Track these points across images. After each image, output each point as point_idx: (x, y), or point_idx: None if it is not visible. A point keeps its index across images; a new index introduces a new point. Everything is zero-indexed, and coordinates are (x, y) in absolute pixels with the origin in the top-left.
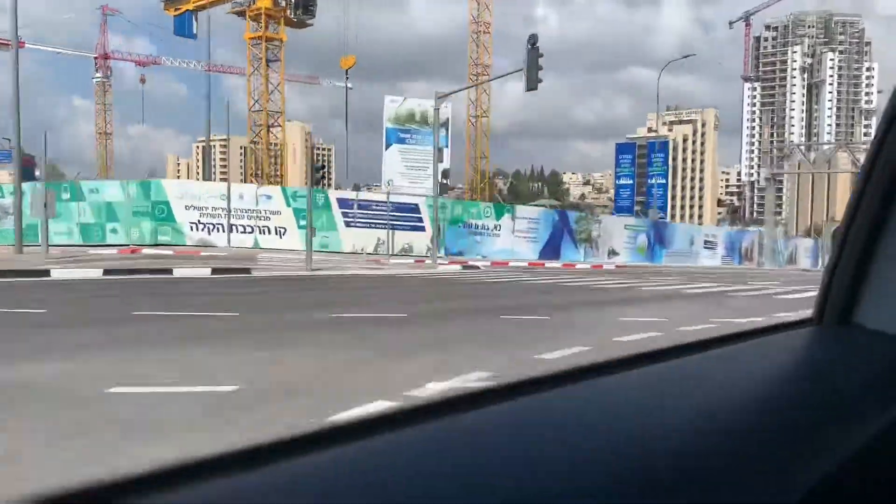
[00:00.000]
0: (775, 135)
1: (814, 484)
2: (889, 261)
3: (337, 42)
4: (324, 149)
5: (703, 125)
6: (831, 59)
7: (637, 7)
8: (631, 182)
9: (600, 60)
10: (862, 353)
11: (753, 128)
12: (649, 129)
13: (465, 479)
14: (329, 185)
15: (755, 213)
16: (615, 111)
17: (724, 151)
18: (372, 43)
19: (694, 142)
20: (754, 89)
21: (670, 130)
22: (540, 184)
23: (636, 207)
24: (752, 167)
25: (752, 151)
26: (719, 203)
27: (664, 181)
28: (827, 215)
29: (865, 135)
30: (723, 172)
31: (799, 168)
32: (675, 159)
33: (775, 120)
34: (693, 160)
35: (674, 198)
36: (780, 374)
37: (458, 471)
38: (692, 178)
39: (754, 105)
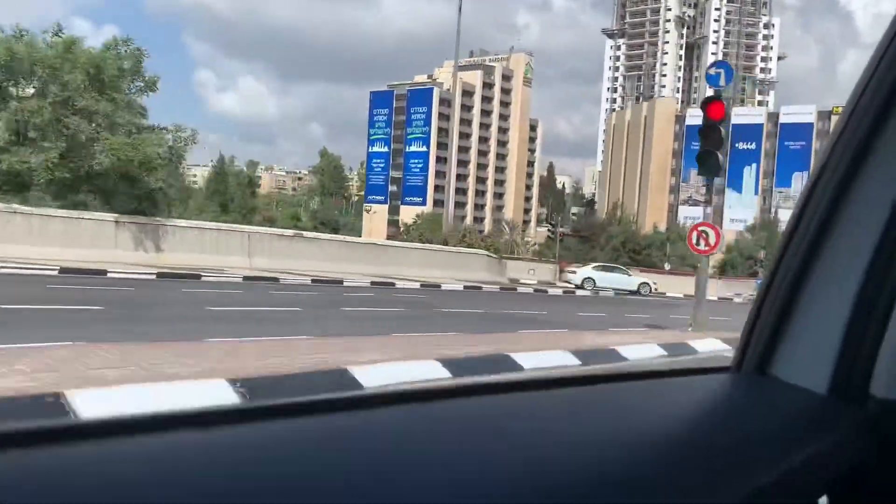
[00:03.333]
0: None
1: None
2: (810, 313)
3: None
4: None
5: (509, 78)
6: (717, 10)
7: None
8: (386, 150)
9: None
10: (766, 404)
11: (615, 100)
12: (428, 76)
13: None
14: None
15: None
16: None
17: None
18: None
19: (489, 99)
20: (618, 48)
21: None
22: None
23: (391, 188)
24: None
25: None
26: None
27: (425, 149)
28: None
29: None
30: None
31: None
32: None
33: (643, 90)
34: (488, 126)
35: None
36: (684, 414)
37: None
38: (483, 153)
39: (617, 69)
